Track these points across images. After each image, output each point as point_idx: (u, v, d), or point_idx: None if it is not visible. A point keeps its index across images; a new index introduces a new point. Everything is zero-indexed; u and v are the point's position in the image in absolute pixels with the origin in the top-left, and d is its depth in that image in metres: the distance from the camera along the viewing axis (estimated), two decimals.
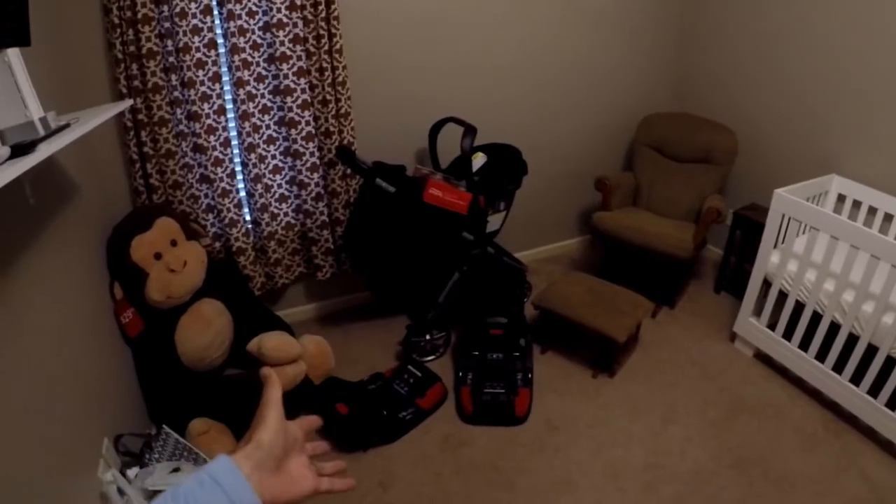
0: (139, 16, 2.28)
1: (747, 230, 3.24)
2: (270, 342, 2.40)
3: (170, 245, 2.34)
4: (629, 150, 3.86)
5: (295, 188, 2.93)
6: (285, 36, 2.57)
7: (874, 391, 2.32)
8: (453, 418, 2.62)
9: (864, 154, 2.82)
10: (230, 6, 2.45)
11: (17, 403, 1.31)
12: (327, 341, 2.67)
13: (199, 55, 2.46)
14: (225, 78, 2.60)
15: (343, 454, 2.43)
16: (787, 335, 2.68)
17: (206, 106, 2.56)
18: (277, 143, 2.83)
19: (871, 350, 2.31)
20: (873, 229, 2.70)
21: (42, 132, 1.27)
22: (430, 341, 2.99)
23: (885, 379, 2.26)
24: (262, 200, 2.85)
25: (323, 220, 3.00)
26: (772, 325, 2.77)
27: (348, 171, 2.97)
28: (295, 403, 2.32)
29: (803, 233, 2.70)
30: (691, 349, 3.02)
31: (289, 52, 2.61)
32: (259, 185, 2.81)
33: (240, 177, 2.82)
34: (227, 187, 2.73)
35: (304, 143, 2.80)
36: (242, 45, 2.55)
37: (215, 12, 2.48)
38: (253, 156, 2.74)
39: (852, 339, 2.40)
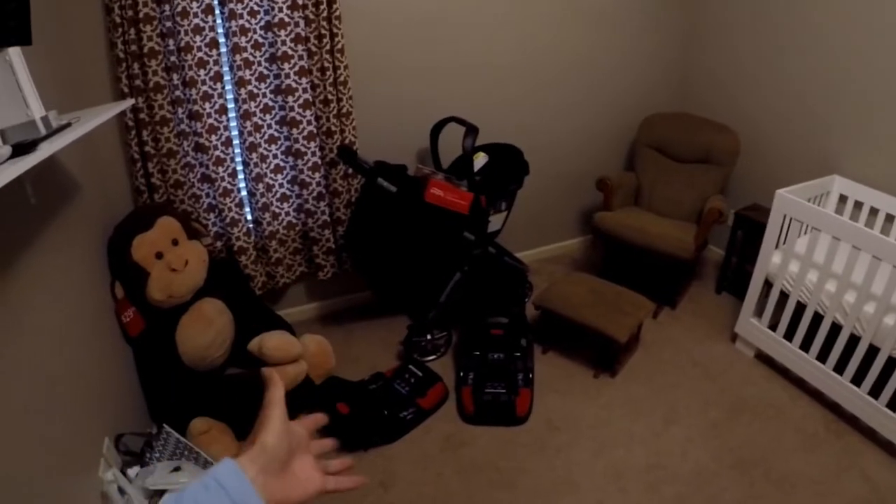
0: (141, 15, 2.28)
1: (749, 231, 3.23)
2: (271, 341, 2.40)
3: (171, 244, 2.34)
4: (630, 151, 3.85)
5: (296, 188, 2.93)
6: (287, 35, 2.57)
7: (875, 392, 2.32)
8: (454, 418, 2.62)
9: (866, 155, 2.82)
10: (232, 5, 2.45)
11: (18, 403, 1.31)
12: (328, 341, 2.67)
13: (200, 54, 2.46)
14: (226, 77, 2.60)
15: (344, 454, 2.43)
16: (789, 336, 2.67)
17: (207, 105, 2.56)
18: (279, 142, 2.83)
19: (873, 351, 2.31)
20: (875, 230, 2.70)
21: (43, 131, 1.26)
22: (432, 341, 2.99)
23: (886, 380, 2.26)
24: (264, 200, 2.85)
25: (324, 220, 3.00)
26: (773, 326, 2.77)
27: (350, 170, 2.96)
28: (296, 403, 2.31)
29: (805, 233, 2.70)
30: (692, 350, 3.02)
31: (290, 52, 2.61)
32: (260, 185, 2.81)
33: (241, 176, 2.82)
34: (229, 187, 2.73)
35: (305, 142, 2.80)
36: (244, 44, 2.55)
37: (217, 11, 2.48)
38: (254, 155, 2.74)
39: (853, 340, 2.39)
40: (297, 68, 2.65)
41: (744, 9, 3.29)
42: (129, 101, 2.11)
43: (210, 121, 2.59)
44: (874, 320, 2.27)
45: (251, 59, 2.60)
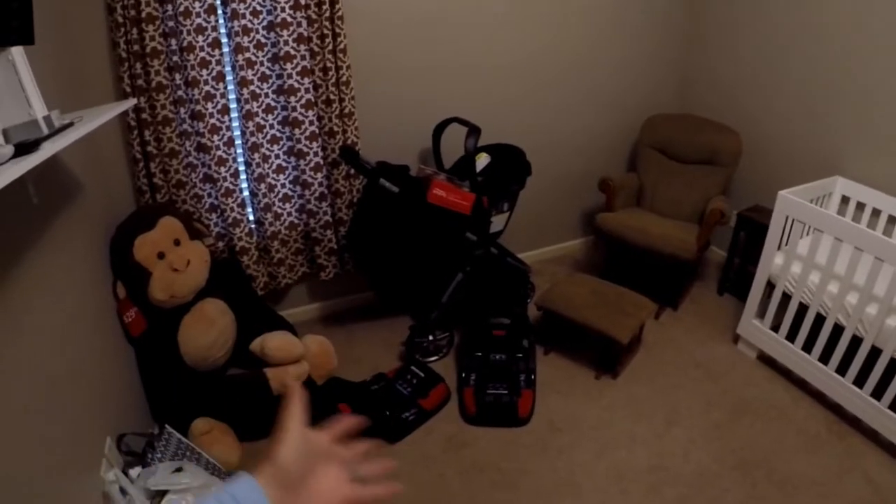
0: (143, 14, 2.28)
1: (751, 232, 3.23)
2: (273, 342, 2.40)
3: (173, 244, 2.34)
4: (633, 151, 3.85)
5: (298, 188, 2.93)
6: (289, 35, 2.57)
7: (878, 393, 2.32)
8: (456, 419, 2.61)
9: (868, 156, 2.81)
10: (234, 5, 2.45)
11: (19, 402, 1.31)
12: (330, 341, 2.67)
13: (202, 54, 2.46)
14: (229, 77, 2.60)
15: None
16: (791, 337, 2.67)
17: (209, 105, 2.56)
18: (281, 142, 2.83)
19: (875, 352, 2.31)
20: (877, 231, 2.69)
21: (46, 131, 1.26)
22: (434, 342, 2.99)
23: (888, 381, 2.25)
24: (266, 200, 2.85)
25: (326, 220, 3.00)
26: (775, 327, 2.77)
27: (352, 170, 2.96)
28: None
29: (807, 234, 2.69)
30: (695, 351, 3.01)
31: (293, 52, 2.61)
32: (262, 185, 2.81)
33: (243, 176, 2.82)
34: (231, 187, 2.73)
35: (307, 142, 2.80)
36: (246, 44, 2.55)
37: (219, 11, 2.48)
38: (256, 155, 2.74)
39: (856, 342, 2.39)
40: (299, 68, 2.65)
41: (745, 9, 3.28)
42: (132, 101, 2.10)
43: (212, 121, 2.59)
44: (876, 322, 2.27)
45: (253, 59, 2.60)
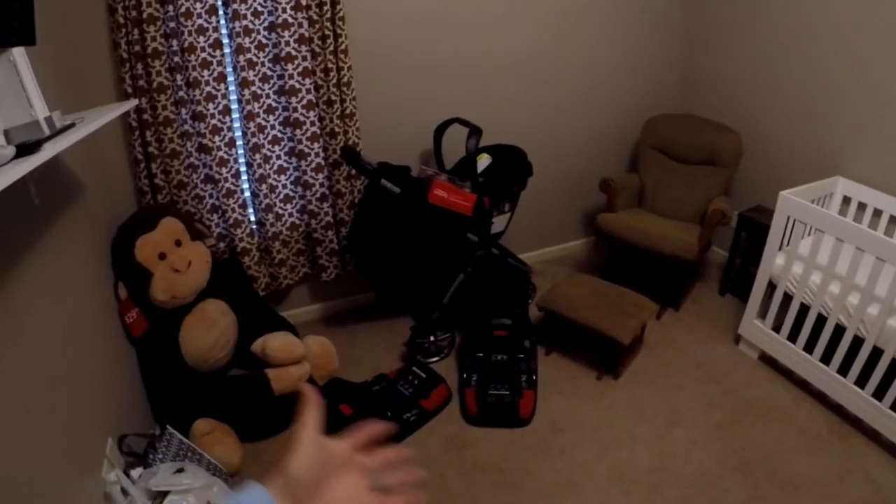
0: (144, 15, 2.29)
1: (752, 232, 3.23)
2: (275, 343, 2.41)
3: (174, 245, 2.34)
4: (634, 152, 3.85)
5: (300, 189, 2.93)
6: (290, 36, 2.57)
7: (879, 394, 2.31)
8: (457, 420, 2.61)
9: (869, 156, 2.81)
10: (235, 6, 2.45)
11: (20, 403, 1.31)
12: (331, 342, 2.67)
13: (204, 55, 2.46)
14: (230, 78, 2.60)
15: None
16: (792, 337, 2.67)
17: (211, 106, 2.56)
18: (282, 143, 2.83)
19: (877, 353, 2.30)
20: (879, 231, 2.69)
21: (47, 131, 1.27)
22: (435, 342, 2.99)
23: (890, 381, 2.25)
24: (267, 201, 2.85)
25: (328, 221, 3.00)
26: (777, 328, 2.76)
27: (353, 171, 2.96)
28: (297, 404, 2.31)
29: (808, 235, 2.69)
30: (696, 351, 3.01)
31: (294, 53, 2.61)
32: (264, 186, 2.81)
33: (244, 177, 2.82)
34: (232, 187, 2.73)
35: (309, 143, 2.80)
36: (248, 45, 2.55)
37: (220, 12, 2.48)
38: (258, 156, 2.74)
39: (857, 342, 2.38)
40: (300, 69, 2.65)
41: (745, 9, 3.28)
42: (133, 102, 2.11)
43: (213, 121, 2.59)
44: (878, 322, 2.26)
45: (255, 59, 2.60)
